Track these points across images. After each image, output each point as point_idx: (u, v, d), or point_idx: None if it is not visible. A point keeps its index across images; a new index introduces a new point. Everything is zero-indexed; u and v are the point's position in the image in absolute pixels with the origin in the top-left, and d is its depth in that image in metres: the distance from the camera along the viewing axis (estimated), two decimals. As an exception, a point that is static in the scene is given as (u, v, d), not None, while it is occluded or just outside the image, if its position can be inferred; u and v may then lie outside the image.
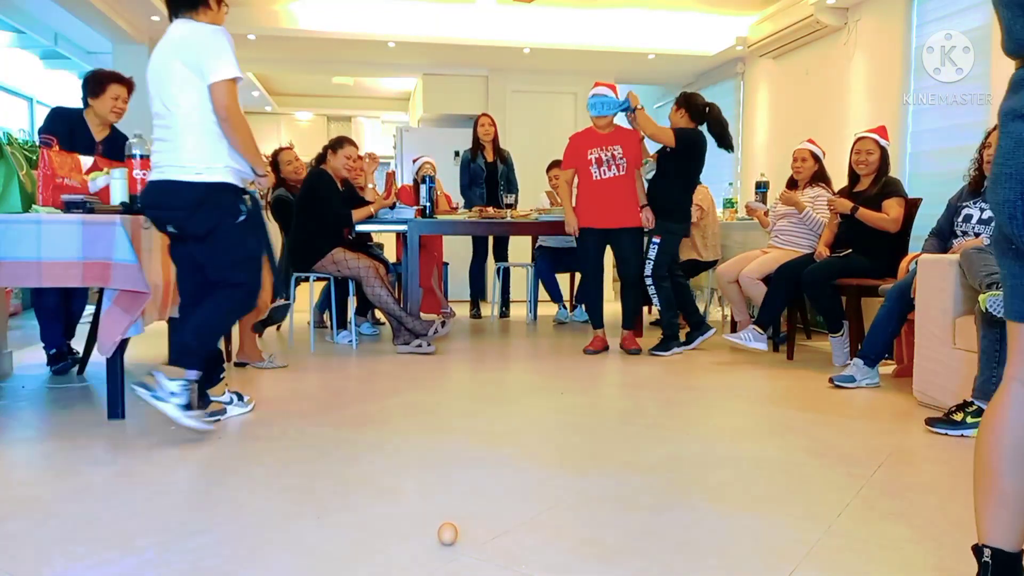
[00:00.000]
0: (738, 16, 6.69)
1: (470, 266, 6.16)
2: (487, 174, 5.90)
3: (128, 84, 3.77)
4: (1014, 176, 1.19)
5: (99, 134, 3.70)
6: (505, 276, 6.15)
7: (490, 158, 5.91)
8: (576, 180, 4.41)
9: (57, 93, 7.18)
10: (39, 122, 4.77)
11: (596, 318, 4.47)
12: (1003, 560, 1.26)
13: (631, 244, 4.29)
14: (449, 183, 6.36)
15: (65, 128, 3.56)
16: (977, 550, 1.30)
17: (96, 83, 3.68)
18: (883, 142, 3.99)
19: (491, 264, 6.20)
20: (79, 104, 3.74)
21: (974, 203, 3.30)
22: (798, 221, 4.37)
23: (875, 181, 3.98)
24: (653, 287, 4.38)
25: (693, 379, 3.70)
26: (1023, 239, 1.21)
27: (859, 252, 3.91)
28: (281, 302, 3.81)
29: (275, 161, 5.06)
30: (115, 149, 3.76)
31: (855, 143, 4.04)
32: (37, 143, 3.07)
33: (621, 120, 4.46)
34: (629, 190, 4.26)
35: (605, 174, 4.26)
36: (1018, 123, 1.21)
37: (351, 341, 4.53)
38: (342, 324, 4.78)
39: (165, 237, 2.96)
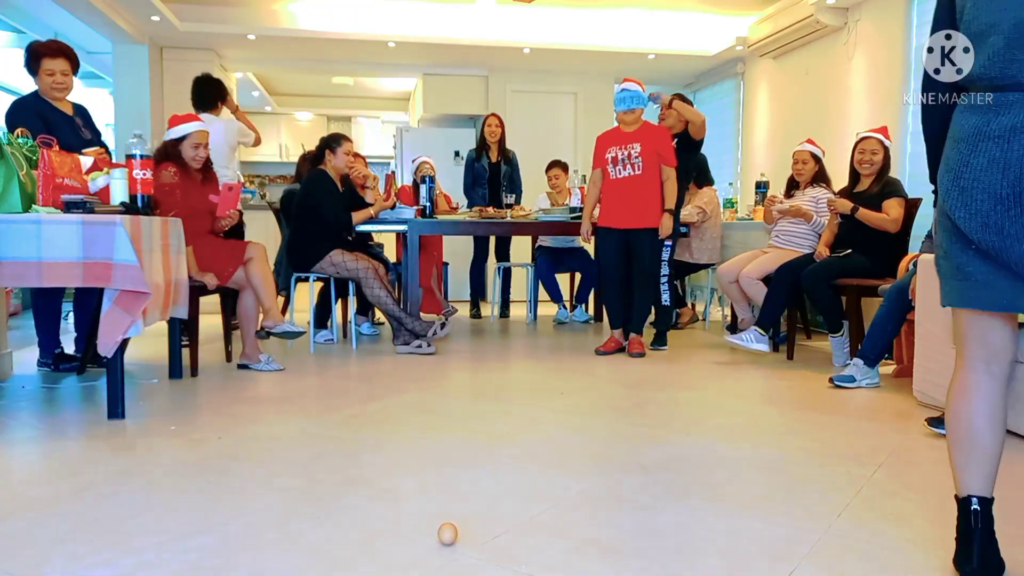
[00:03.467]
0: (738, 16, 6.70)
1: (471, 266, 6.17)
2: (490, 174, 5.93)
3: (64, 53, 3.56)
4: (986, 190, 1.41)
5: (65, 108, 3.64)
6: (505, 276, 6.15)
7: (494, 158, 5.94)
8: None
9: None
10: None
11: (613, 318, 4.43)
12: (986, 505, 1.59)
13: (649, 245, 4.24)
14: (449, 183, 6.36)
15: (38, 122, 3.41)
16: (963, 501, 1.59)
17: (31, 59, 3.54)
18: (887, 142, 3.99)
19: (491, 264, 6.21)
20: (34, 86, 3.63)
21: None
22: (800, 221, 4.38)
23: (876, 181, 3.98)
24: (666, 286, 4.47)
25: (693, 379, 3.70)
26: (987, 243, 1.42)
27: (859, 252, 3.91)
28: (296, 328, 3.78)
29: (305, 157, 5.09)
30: (86, 118, 3.75)
31: (859, 143, 4.03)
32: (19, 137, 2.97)
33: (651, 116, 4.48)
34: (646, 190, 4.19)
35: (620, 173, 4.22)
36: (988, 143, 1.42)
37: (329, 340, 4.68)
38: (322, 323, 4.80)
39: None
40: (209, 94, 4.71)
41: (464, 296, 7.12)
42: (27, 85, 7.15)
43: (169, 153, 3.57)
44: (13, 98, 7.14)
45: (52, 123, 3.48)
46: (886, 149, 3.98)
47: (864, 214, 3.87)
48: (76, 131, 3.57)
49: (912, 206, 4.00)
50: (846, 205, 3.93)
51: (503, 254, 6.13)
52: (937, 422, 2.68)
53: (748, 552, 1.69)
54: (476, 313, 6.15)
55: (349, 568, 1.59)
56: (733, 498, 2.05)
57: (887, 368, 3.76)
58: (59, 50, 3.57)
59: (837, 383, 3.43)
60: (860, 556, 1.69)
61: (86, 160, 3.12)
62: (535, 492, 2.07)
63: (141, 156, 2.91)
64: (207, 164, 3.75)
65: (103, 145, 3.64)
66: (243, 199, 5.96)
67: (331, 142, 4.42)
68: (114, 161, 3.22)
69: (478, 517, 1.86)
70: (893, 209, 3.86)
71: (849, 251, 3.95)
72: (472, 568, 1.59)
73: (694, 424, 2.85)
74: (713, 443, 2.59)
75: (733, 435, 2.72)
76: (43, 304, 3.71)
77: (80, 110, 3.72)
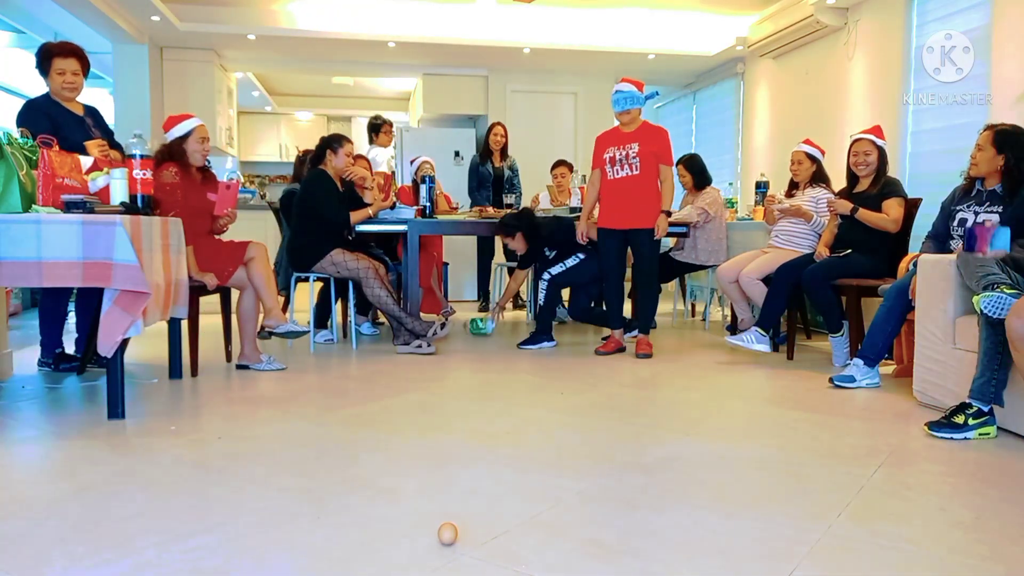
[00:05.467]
0: (738, 16, 6.70)
1: (478, 264, 6.43)
2: (494, 178, 6.18)
3: (75, 53, 3.56)
4: None
5: (76, 108, 3.63)
6: (499, 277, 6.18)
7: (497, 163, 6.18)
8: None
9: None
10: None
11: (614, 319, 4.42)
12: None
13: (648, 245, 4.21)
14: (449, 183, 6.38)
15: (46, 122, 3.38)
16: None
17: (42, 60, 3.54)
18: (879, 142, 3.98)
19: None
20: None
21: (967, 206, 3.29)
22: (800, 221, 4.38)
23: (874, 181, 3.98)
24: (546, 289, 4.55)
25: (693, 379, 3.70)
26: None
27: (859, 252, 3.91)
28: (298, 328, 3.80)
29: (303, 160, 5.15)
30: (97, 118, 3.74)
31: (852, 145, 4.04)
32: (16, 137, 2.95)
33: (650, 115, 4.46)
34: (644, 190, 4.16)
35: (618, 173, 4.20)
36: None
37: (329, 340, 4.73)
38: (322, 323, 4.80)
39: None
40: (369, 130, 6.46)
41: (465, 296, 7.14)
42: (26, 85, 7.19)
43: (173, 152, 3.57)
44: (13, 98, 7.20)
45: (62, 124, 3.45)
46: (880, 149, 3.98)
47: (864, 214, 3.87)
48: (87, 132, 3.56)
49: (912, 206, 4.00)
50: (845, 206, 3.93)
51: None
52: (938, 426, 2.68)
53: (748, 552, 1.69)
54: (485, 306, 6.34)
55: (349, 568, 1.59)
56: (733, 498, 2.05)
57: (887, 368, 3.76)
58: (70, 50, 3.56)
59: (837, 383, 3.43)
60: (860, 556, 1.69)
61: (86, 160, 3.12)
62: (535, 492, 2.07)
63: (141, 156, 2.91)
64: (206, 164, 3.76)
65: (114, 145, 3.61)
66: (243, 199, 5.97)
67: (332, 142, 4.40)
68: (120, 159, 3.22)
69: (478, 517, 1.86)
70: (893, 209, 3.86)
71: (849, 251, 3.95)
72: (472, 568, 1.59)
73: (694, 424, 2.85)
74: (713, 443, 2.59)
75: (733, 435, 2.72)
76: (50, 305, 3.71)
77: (91, 111, 3.71)
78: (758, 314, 4.63)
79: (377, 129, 6.33)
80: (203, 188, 3.70)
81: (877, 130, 4.02)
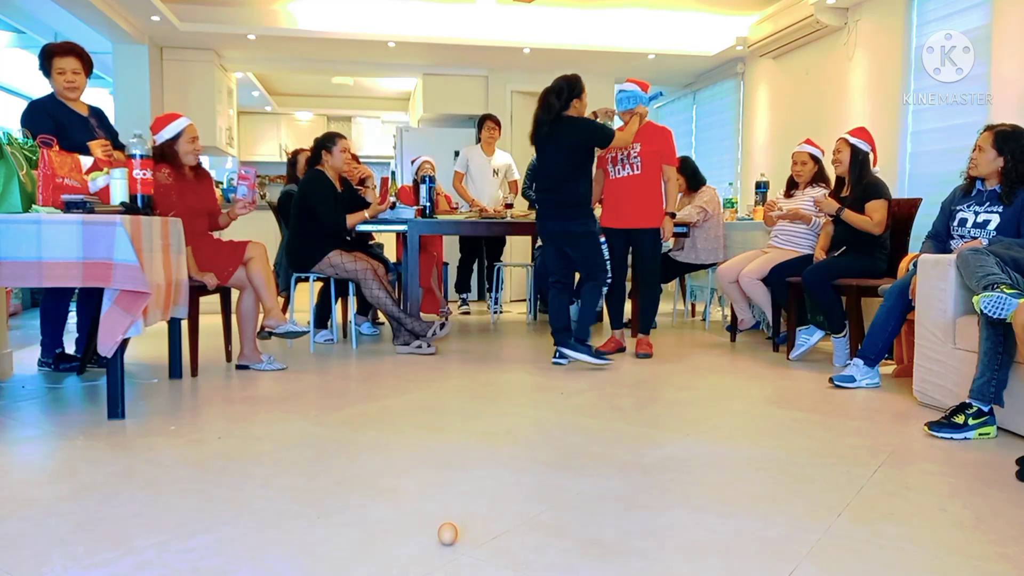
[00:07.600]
0: (738, 16, 6.70)
1: (471, 265, 6.38)
2: None
3: (74, 52, 3.56)
4: None
5: (80, 109, 3.63)
6: (498, 276, 6.16)
7: None
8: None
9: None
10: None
11: (615, 319, 4.42)
12: None
13: (650, 245, 4.21)
14: (448, 183, 6.39)
15: (49, 122, 3.39)
16: None
17: (44, 61, 3.54)
18: (853, 140, 3.99)
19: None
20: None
21: (967, 206, 3.29)
22: (800, 222, 4.40)
23: (855, 184, 3.96)
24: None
25: (693, 379, 3.70)
26: None
27: (858, 252, 3.92)
28: (298, 328, 3.79)
29: (293, 161, 5.15)
30: (102, 119, 3.75)
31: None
32: (19, 137, 2.95)
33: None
34: (645, 189, 4.15)
35: (619, 173, 4.21)
36: None
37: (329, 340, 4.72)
38: (322, 323, 4.80)
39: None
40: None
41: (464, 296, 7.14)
42: (26, 85, 7.19)
43: (165, 154, 3.55)
44: (13, 98, 7.20)
45: (66, 124, 3.45)
46: (852, 147, 3.98)
47: (848, 215, 3.88)
48: (91, 132, 3.55)
49: (912, 206, 4.00)
50: (832, 205, 3.94)
51: (496, 254, 6.23)
52: (938, 426, 2.68)
53: (748, 552, 1.69)
54: (467, 311, 6.36)
55: (349, 568, 1.59)
56: (733, 498, 2.05)
57: (887, 368, 3.76)
58: (70, 49, 3.56)
59: (837, 383, 3.43)
60: (860, 556, 1.69)
61: (86, 160, 3.12)
62: (535, 492, 2.07)
63: (141, 156, 2.91)
64: (199, 163, 3.75)
65: (118, 145, 3.61)
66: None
67: (326, 142, 4.36)
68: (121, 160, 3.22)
69: (478, 517, 1.86)
70: (876, 212, 3.86)
71: (844, 248, 3.96)
72: (472, 568, 1.59)
73: (694, 424, 2.85)
74: (713, 443, 2.59)
75: (733, 435, 2.72)
76: (52, 305, 3.71)
77: (96, 112, 3.70)
78: (758, 314, 4.64)
79: (478, 128, 6.15)
80: (199, 188, 3.69)
81: (859, 131, 4.03)
